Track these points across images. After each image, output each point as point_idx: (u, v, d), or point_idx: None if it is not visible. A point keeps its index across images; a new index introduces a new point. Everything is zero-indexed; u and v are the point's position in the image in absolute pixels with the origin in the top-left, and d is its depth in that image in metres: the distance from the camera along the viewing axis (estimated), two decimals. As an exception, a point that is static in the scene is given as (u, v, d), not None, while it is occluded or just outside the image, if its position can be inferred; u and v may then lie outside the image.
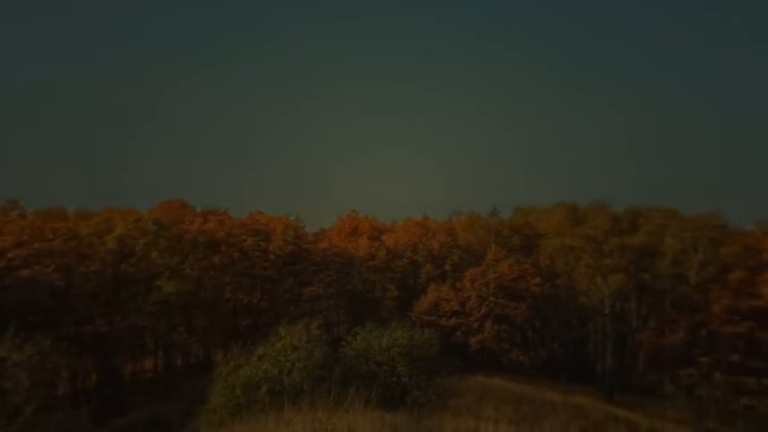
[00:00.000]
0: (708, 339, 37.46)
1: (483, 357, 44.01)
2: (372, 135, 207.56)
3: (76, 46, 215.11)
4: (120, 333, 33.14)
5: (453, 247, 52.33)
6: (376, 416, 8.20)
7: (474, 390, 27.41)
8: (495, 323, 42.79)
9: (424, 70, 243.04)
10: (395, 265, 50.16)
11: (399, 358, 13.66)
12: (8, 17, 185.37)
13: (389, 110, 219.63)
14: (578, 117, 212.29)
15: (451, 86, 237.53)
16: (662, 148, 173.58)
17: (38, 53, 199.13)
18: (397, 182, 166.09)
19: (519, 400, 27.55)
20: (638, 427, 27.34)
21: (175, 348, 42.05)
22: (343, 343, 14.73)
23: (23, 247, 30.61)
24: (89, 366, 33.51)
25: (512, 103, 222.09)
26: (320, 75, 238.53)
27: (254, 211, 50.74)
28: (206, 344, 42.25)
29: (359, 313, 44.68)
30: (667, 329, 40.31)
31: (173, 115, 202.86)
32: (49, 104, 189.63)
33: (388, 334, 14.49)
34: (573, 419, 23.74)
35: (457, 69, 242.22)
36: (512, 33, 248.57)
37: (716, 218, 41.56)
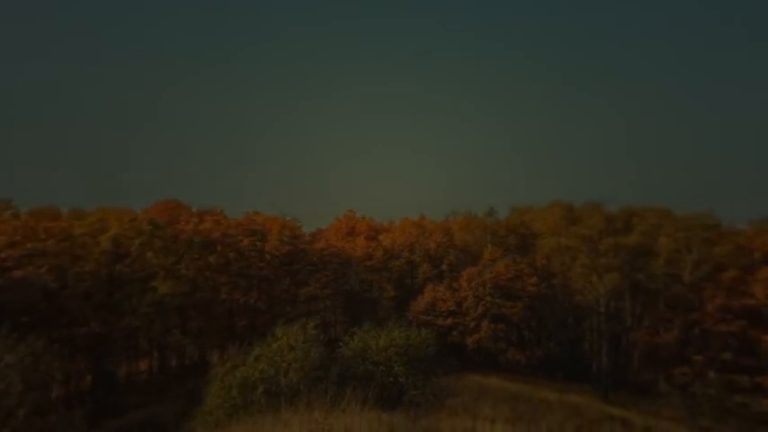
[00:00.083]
0: (701, 338, 37.83)
1: (480, 357, 44.15)
2: (372, 135, 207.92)
3: (76, 46, 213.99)
4: (114, 334, 32.86)
5: (450, 246, 52.44)
6: (373, 416, 8.19)
7: (471, 389, 27.51)
8: (491, 323, 42.94)
9: (424, 70, 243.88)
10: (392, 265, 50.17)
11: (396, 358, 13.65)
12: (8, 17, 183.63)
13: (389, 110, 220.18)
14: (578, 117, 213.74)
15: (451, 86, 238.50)
16: (662, 148, 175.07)
17: (38, 53, 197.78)
18: (397, 182, 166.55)
19: (515, 399, 27.71)
20: (633, 426, 27.54)
21: (170, 350, 41.75)
22: (340, 343, 14.69)
23: (16, 247, 30.29)
24: (83, 368, 33.20)
25: (512, 103, 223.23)
26: (320, 75, 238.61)
27: (250, 211, 50.62)
28: (201, 345, 41.99)
29: (356, 313, 44.65)
30: (661, 328, 40.67)
31: (173, 115, 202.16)
32: (49, 104, 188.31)
33: (385, 334, 14.47)
34: (569, 418, 23.89)
35: (457, 69, 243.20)
36: (512, 33, 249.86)
37: (709, 217, 42.00)
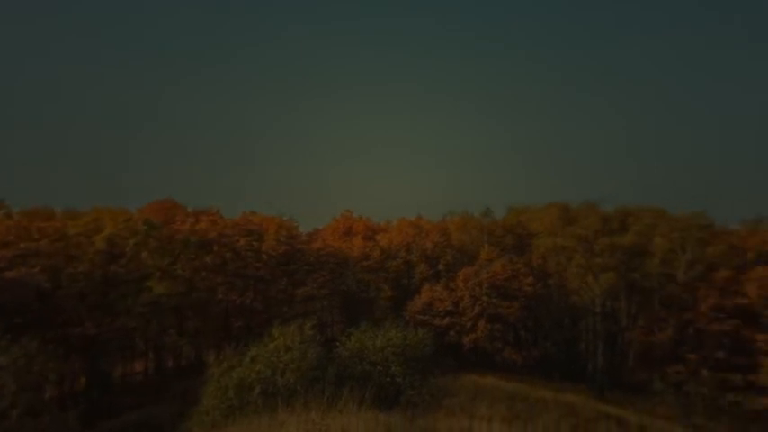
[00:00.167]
0: (695, 337, 38.18)
1: (476, 356, 44.28)
2: (372, 135, 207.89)
3: (76, 46, 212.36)
4: (109, 335, 32.59)
5: (447, 246, 52.53)
6: (370, 416, 8.20)
7: (467, 388, 27.56)
8: (488, 322, 43.07)
9: (424, 70, 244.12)
10: (389, 265, 50.18)
11: (393, 358, 13.67)
12: (8, 17, 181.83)
13: (389, 110, 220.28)
14: (578, 117, 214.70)
15: (451, 86, 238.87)
16: (661, 148, 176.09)
17: (38, 53, 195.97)
18: (397, 182, 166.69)
19: (512, 399, 27.80)
20: (628, 424, 27.72)
21: (166, 350, 41.52)
22: (337, 343, 14.69)
23: (9, 247, 29.99)
24: (77, 369, 32.92)
25: (512, 103, 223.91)
26: (320, 75, 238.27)
27: (246, 210, 50.41)
28: (198, 345, 41.79)
29: (353, 313, 44.61)
30: (656, 327, 40.99)
31: (172, 115, 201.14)
32: (49, 104, 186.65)
33: (381, 334, 14.49)
34: (564, 417, 24.01)
35: (457, 69, 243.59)
36: (512, 33, 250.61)
37: (703, 217, 42.39)
